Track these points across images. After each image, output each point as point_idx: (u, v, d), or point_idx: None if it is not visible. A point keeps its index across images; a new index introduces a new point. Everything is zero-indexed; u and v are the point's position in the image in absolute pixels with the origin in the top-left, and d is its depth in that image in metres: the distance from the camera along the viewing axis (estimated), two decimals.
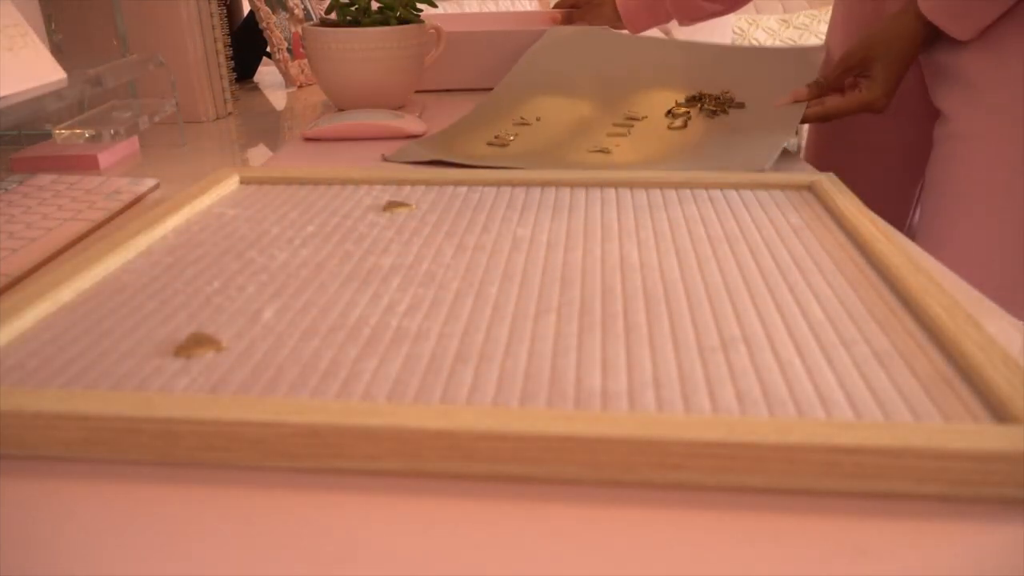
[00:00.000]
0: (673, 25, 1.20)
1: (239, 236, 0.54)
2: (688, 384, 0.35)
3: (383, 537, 0.28)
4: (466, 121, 0.88)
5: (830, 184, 0.61)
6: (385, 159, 0.76)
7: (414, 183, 0.65)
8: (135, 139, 0.84)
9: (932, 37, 0.81)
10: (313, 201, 0.61)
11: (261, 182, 0.66)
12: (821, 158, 1.06)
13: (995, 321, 0.43)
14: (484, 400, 0.34)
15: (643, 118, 0.87)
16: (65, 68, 0.79)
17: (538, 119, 0.88)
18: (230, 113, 1.03)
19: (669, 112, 0.88)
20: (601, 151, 0.77)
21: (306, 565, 0.27)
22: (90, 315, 0.43)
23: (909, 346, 0.38)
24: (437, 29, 1.05)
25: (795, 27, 3.00)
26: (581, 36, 1.07)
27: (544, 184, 0.64)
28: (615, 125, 0.86)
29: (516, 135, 0.83)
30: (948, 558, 0.27)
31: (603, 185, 0.64)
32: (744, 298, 0.44)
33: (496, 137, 0.82)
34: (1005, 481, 0.29)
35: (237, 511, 0.30)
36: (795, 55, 0.99)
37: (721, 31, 2.99)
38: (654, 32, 1.20)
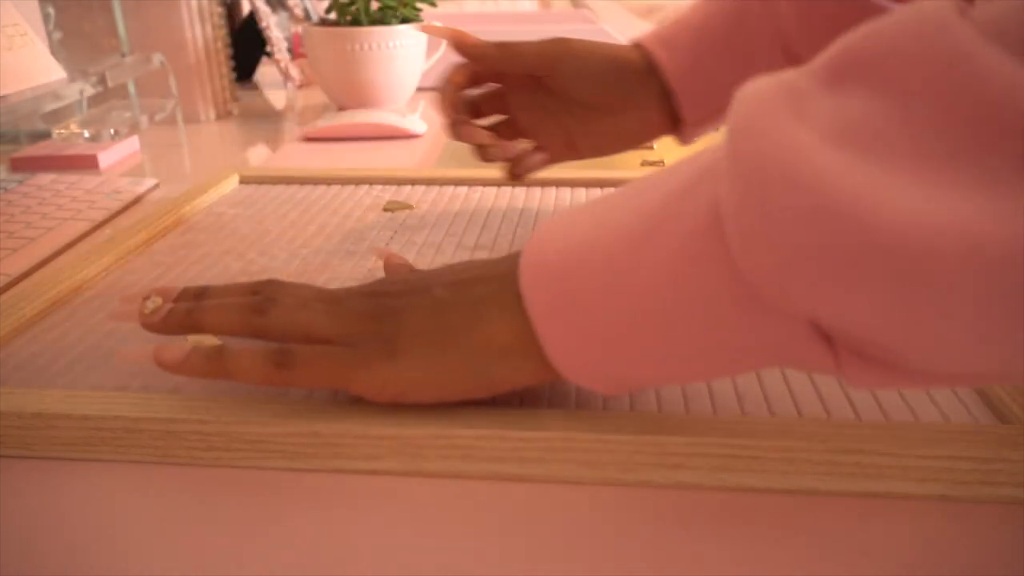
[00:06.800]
0: None
1: (239, 236, 0.54)
2: (688, 384, 0.35)
3: (383, 537, 0.28)
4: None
5: None
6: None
7: (414, 183, 0.65)
8: (135, 139, 0.84)
9: None
10: (313, 201, 0.61)
11: (261, 182, 0.66)
12: None
13: None
14: (484, 400, 0.34)
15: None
16: (65, 68, 0.79)
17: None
18: (230, 113, 1.03)
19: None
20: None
21: (306, 565, 0.27)
22: (91, 315, 0.43)
23: None
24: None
25: None
26: None
27: (544, 184, 0.64)
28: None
29: None
30: (948, 558, 0.27)
31: (603, 185, 0.64)
32: None
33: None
34: (1005, 481, 0.29)
35: (237, 511, 0.30)
36: None
37: None
38: None
